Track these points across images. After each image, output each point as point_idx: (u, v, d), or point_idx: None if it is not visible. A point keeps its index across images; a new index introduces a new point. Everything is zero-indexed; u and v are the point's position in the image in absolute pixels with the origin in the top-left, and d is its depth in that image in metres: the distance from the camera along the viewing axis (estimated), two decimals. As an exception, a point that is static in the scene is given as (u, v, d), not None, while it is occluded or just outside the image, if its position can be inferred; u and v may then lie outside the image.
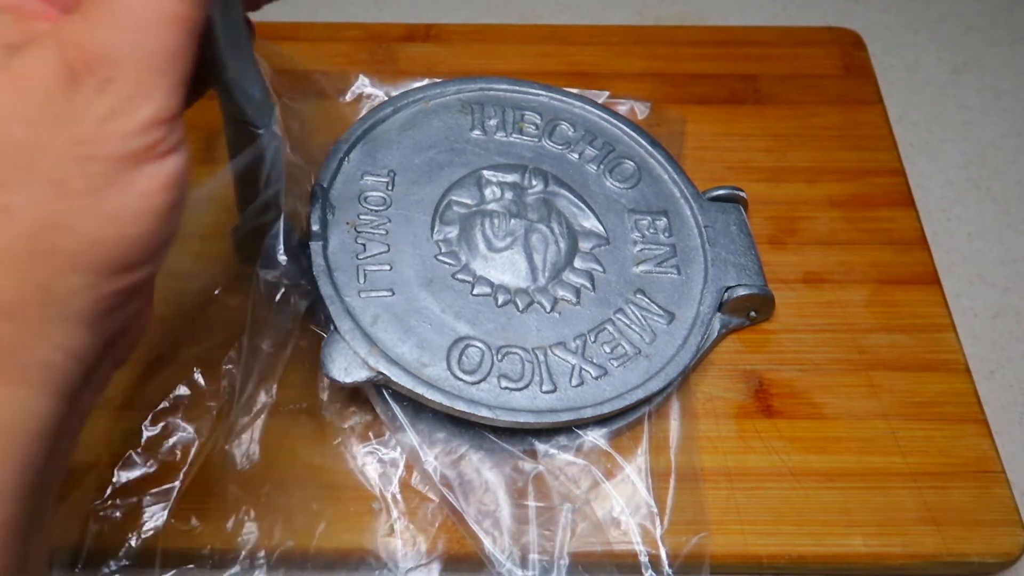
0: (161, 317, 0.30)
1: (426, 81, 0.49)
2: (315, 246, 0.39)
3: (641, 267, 0.42)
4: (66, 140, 0.22)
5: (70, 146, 0.22)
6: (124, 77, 0.22)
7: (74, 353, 0.23)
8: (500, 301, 0.40)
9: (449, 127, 0.46)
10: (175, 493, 0.36)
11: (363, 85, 0.50)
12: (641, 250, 0.43)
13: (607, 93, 0.50)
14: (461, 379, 0.37)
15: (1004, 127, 0.54)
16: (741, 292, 0.42)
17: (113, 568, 0.35)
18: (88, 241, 0.22)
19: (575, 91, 0.49)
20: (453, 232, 0.42)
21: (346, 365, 0.37)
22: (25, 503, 0.22)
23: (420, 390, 0.37)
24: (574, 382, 0.38)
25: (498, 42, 0.54)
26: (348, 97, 0.49)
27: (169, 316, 0.40)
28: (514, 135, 0.46)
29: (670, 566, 0.36)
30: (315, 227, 0.40)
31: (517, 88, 0.48)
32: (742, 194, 0.45)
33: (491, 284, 0.40)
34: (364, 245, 0.40)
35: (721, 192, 0.45)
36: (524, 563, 0.36)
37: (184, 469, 0.36)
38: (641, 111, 0.50)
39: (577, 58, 0.54)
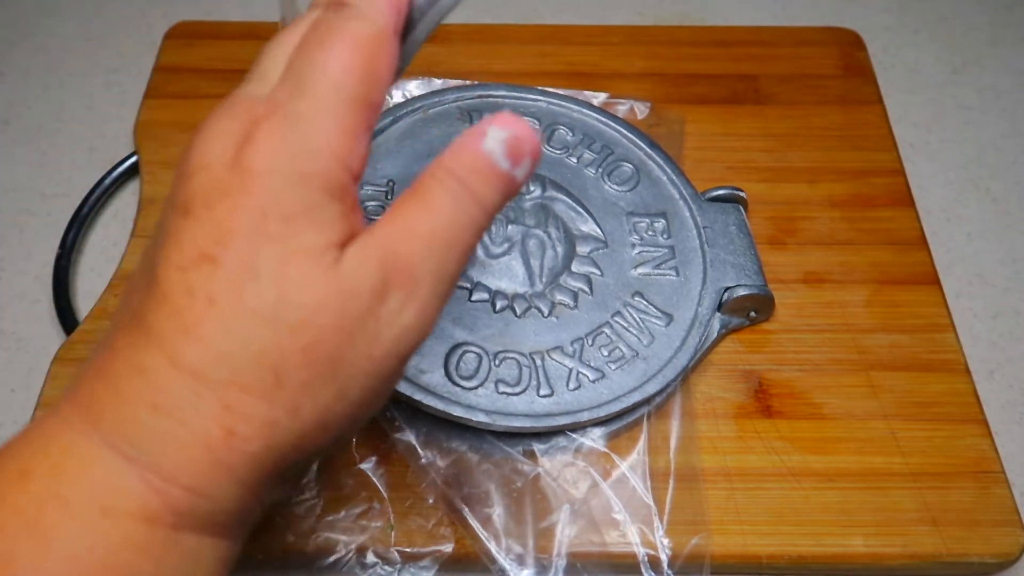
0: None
1: (425, 80, 0.49)
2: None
3: (639, 269, 0.42)
4: (364, 355, 0.23)
5: (364, 360, 0.23)
6: (421, 297, 0.24)
7: (265, 505, 0.25)
8: (497, 307, 0.40)
9: (448, 136, 0.46)
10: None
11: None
12: (639, 252, 0.43)
13: (607, 93, 0.50)
14: (458, 384, 0.38)
15: (1004, 127, 0.54)
16: (740, 292, 0.42)
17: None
18: (334, 442, 0.24)
19: (574, 93, 0.49)
20: (451, 237, 0.42)
21: (345, 369, 0.37)
22: None
23: (418, 396, 0.37)
24: (571, 386, 0.38)
25: (498, 42, 0.54)
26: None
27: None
28: None
29: (669, 567, 0.36)
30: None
31: (515, 94, 0.48)
32: (742, 194, 0.45)
33: (488, 290, 0.40)
34: (363, 251, 0.40)
35: (721, 192, 0.45)
36: (522, 563, 0.36)
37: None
38: (641, 111, 0.50)
39: (577, 58, 0.54)
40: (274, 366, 0.22)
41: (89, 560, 0.21)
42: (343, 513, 0.37)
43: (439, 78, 0.49)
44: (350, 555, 0.37)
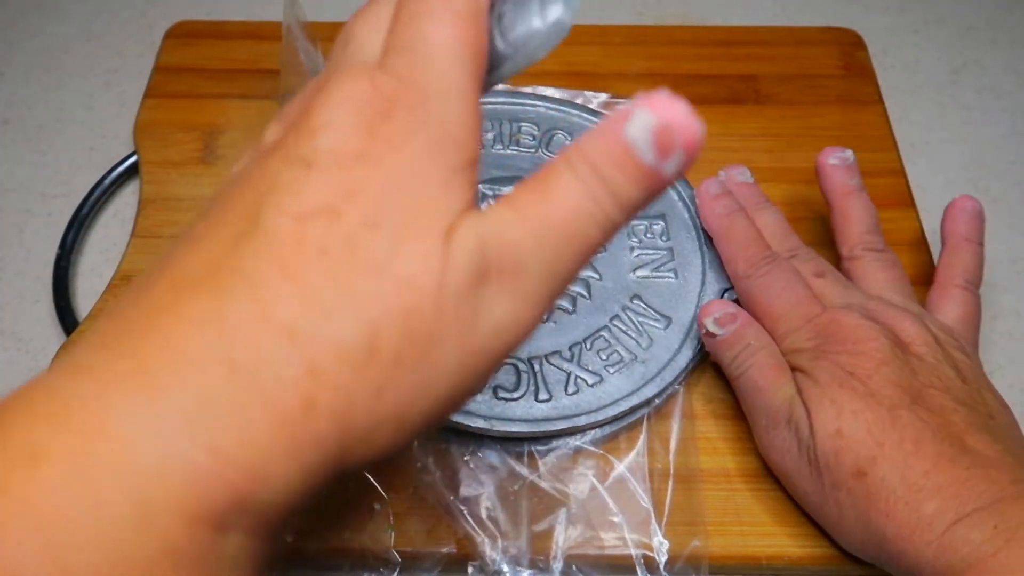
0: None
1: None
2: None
3: (638, 272, 0.42)
4: (458, 343, 0.21)
5: (458, 349, 0.21)
6: (523, 292, 0.22)
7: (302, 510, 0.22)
8: (496, 311, 0.40)
9: None
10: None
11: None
12: (638, 255, 0.43)
13: (608, 94, 0.50)
14: (456, 389, 0.38)
15: (1004, 127, 0.54)
16: (740, 294, 0.42)
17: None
18: (400, 448, 0.22)
19: (574, 94, 0.49)
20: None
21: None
22: None
23: (416, 400, 0.37)
24: (569, 390, 0.38)
25: (498, 42, 0.54)
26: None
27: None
28: (511, 147, 0.46)
29: (668, 568, 0.36)
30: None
31: (514, 100, 0.48)
32: (742, 195, 0.45)
33: (487, 294, 0.40)
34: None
35: (720, 193, 0.45)
36: (520, 565, 0.36)
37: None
38: (641, 111, 0.50)
39: (577, 58, 0.53)
40: (372, 325, 0.20)
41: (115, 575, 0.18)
42: (343, 513, 0.37)
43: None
44: (350, 555, 0.37)
